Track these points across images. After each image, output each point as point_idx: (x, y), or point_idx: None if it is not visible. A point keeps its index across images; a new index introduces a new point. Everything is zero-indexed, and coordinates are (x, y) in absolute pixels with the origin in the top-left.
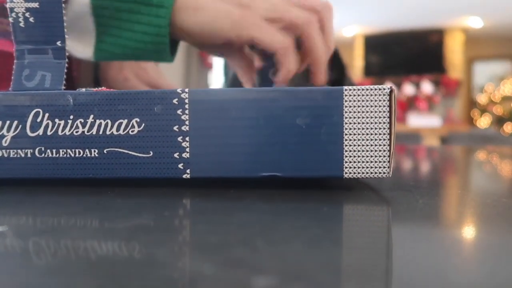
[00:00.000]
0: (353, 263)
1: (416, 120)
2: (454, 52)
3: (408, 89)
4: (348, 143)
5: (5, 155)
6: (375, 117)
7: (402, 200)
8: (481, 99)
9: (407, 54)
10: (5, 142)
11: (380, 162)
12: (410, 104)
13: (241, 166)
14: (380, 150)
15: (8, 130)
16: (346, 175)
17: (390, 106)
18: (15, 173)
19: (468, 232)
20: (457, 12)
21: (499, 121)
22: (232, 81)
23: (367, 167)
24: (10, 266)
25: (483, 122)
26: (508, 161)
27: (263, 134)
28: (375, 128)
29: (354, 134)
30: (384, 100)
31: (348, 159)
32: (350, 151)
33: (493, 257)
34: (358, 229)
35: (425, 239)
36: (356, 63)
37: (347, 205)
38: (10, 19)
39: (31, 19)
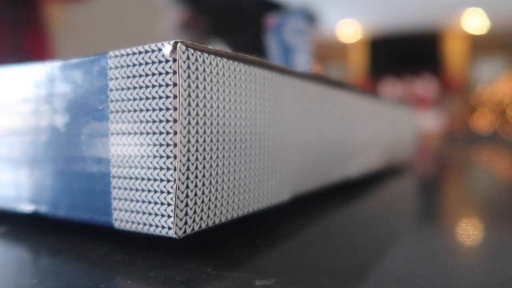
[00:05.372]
0: None
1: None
2: (455, 51)
3: (408, 88)
4: (116, 161)
5: None
6: (154, 110)
7: None
8: (481, 98)
9: (407, 53)
10: None
11: (158, 204)
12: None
13: None
14: (159, 180)
15: None
16: (117, 225)
17: (186, 87)
18: None
19: None
20: (457, 11)
21: (499, 120)
22: None
23: (143, 213)
24: None
25: (483, 121)
26: None
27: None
28: (153, 134)
29: (124, 145)
30: (165, 74)
31: (118, 195)
32: (120, 177)
33: None
34: None
35: None
36: (355, 61)
37: None
38: None
39: None
